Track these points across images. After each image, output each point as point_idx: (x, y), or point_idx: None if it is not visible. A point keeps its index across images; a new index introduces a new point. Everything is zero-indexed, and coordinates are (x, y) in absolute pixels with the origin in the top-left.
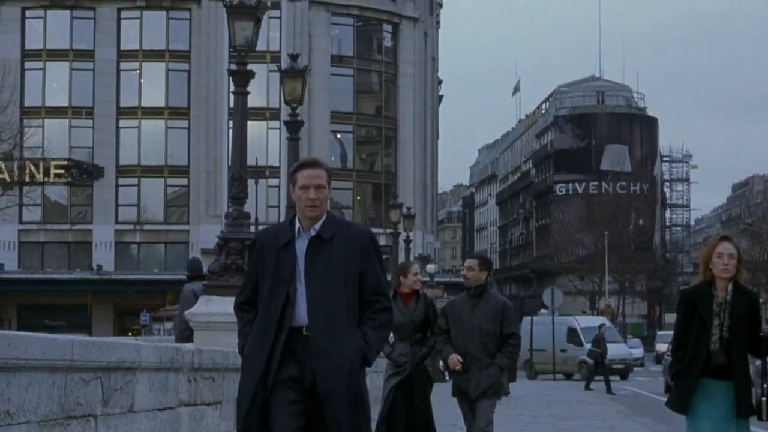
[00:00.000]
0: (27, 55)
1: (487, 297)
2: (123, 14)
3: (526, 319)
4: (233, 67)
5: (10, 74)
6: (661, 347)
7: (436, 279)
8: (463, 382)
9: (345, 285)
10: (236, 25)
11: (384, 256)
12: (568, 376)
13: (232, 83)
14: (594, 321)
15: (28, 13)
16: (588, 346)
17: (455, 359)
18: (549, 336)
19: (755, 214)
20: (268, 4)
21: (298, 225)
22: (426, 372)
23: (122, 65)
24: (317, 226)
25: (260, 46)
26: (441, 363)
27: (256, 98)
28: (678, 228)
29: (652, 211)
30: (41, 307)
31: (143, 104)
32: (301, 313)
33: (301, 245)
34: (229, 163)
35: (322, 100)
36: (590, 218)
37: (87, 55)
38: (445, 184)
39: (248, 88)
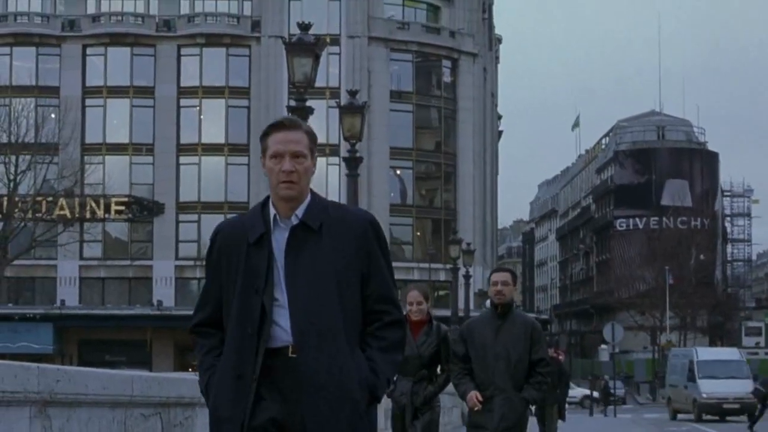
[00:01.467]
0: (88, 92)
1: (513, 317)
2: (183, 51)
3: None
4: (292, 103)
5: (71, 111)
6: None
7: None
8: (482, 416)
9: (341, 290)
10: (295, 62)
11: (443, 292)
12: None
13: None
14: (716, 353)
15: (89, 51)
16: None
17: (474, 397)
18: (675, 371)
19: None
20: (327, 40)
21: (273, 211)
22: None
23: (182, 102)
24: (299, 211)
25: (319, 82)
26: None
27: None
28: (739, 263)
29: (713, 245)
30: (102, 342)
31: (203, 140)
32: (283, 331)
33: (279, 238)
34: None
35: (381, 136)
36: (651, 253)
37: (147, 91)
38: (505, 220)
39: (308, 123)
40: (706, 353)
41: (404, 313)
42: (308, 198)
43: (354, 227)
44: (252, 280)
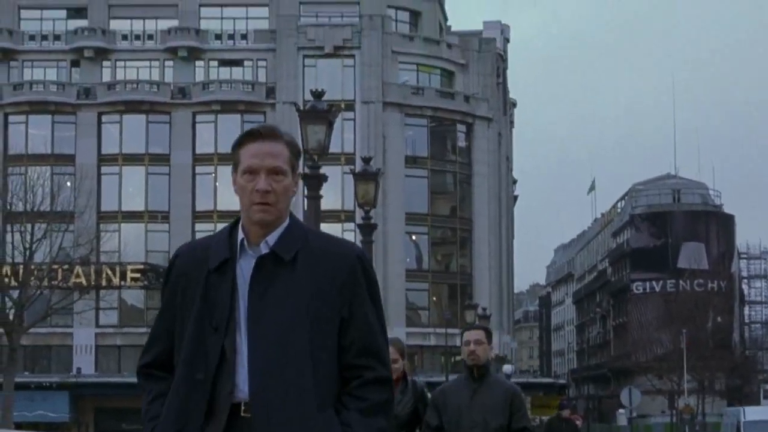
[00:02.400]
0: (103, 159)
1: (491, 381)
2: (198, 118)
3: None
4: (306, 170)
5: (86, 179)
6: None
7: (513, 379)
8: None
9: (314, 338)
10: (308, 130)
11: (459, 358)
12: None
13: (305, 187)
14: (763, 413)
15: (104, 118)
16: None
17: None
18: None
19: None
20: (342, 106)
21: (241, 236)
22: None
23: (197, 169)
24: (272, 237)
25: (334, 148)
26: None
27: (330, 200)
28: (757, 325)
29: (731, 308)
30: (118, 410)
31: (218, 208)
32: (240, 383)
33: (245, 268)
34: None
35: (396, 202)
36: (668, 316)
37: (162, 159)
38: (521, 284)
39: (322, 191)
40: (753, 413)
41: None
42: (286, 223)
43: (337, 261)
44: (209, 315)
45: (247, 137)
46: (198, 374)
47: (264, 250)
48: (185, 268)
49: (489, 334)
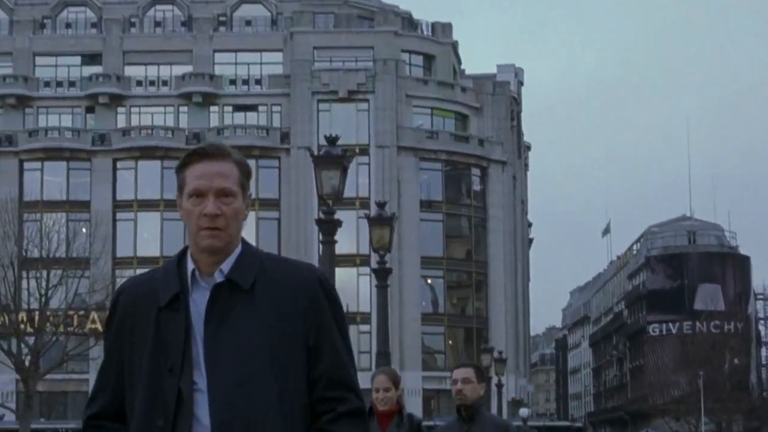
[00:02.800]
0: (118, 205)
1: (483, 419)
2: None
3: None
4: (321, 216)
5: (102, 225)
6: None
7: (529, 423)
8: None
9: (279, 371)
10: (323, 175)
11: None
12: None
13: (320, 232)
14: None
15: (119, 164)
16: None
17: None
18: None
19: None
20: (356, 150)
21: (191, 266)
22: None
23: None
24: (225, 265)
25: (349, 193)
26: None
27: (345, 244)
28: None
29: (748, 349)
30: None
31: None
32: (202, 427)
33: (199, 301)
34: None
35: (411, 246)
36: (684, 358)
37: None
38: (537, 327)
39: (337, 235)
40: None
41: (368, 401)
42: (238, 249)
43: (298, 287)
44: (164, 357)
45: (192, 157)
46: (158, 420)
47: (218, 279)
48: (131, 306)
49: (479, 372)
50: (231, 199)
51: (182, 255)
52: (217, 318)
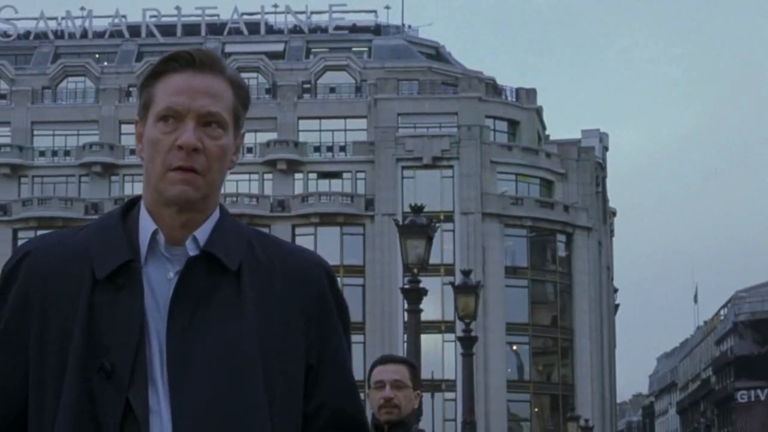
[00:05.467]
0: None
1: None
2: (297, 231)
3: None
4: (406, 285)
5: None
6: None
7: None
8: None
9: (274, 394)
10: (408, 244)
11: None
12: None
13: (405, 300)
14: None
15: None
16: None
17: None
18: None
19: None
20: (441, 217)
21: (149, 225)
22: None
23: None
24: (201, 232)
25: (434, 259)
26: None
27: (431, 311)
28: None
29: None
30: None
31: None
32: None
33: (155, 278)
34: None
35: (496, 312)
36: None
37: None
38: (623, 394)
39: (423, 303)
40: None
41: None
42: (216, 214)
43: (299, 279)
44: (98, 355)
45: (169, 63)
46: None
47: (191, 250)
48: (42, 275)
49: (415, 373)
50: (219, 132)
51: (128, 208)
52: (188, 308)
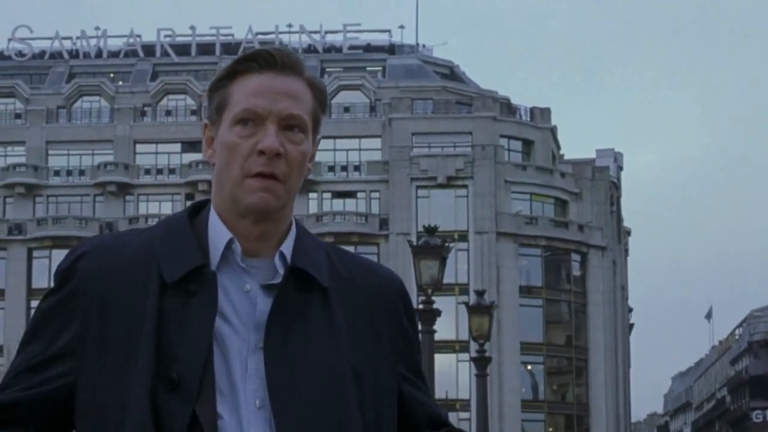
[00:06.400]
0: None
1: None
2: None
3: None
4: (420, 305)
5: None
6: None
7: None
8: None
9: (371, 411)
10: (422, 265)
11: None
12: None
13: (419, 321)
14: None
15: None
16: None
17: None
18: None
19: None
20: (455, 236)
21: (225, 233)
22: None
23: None
24: (286, 246)
25: (448, 279)
26: None
27: (444, 331)
28: None
29: None
30: None
31: None
32: None
33: (233, 286)
34: None
35: (511, 331)
36: None
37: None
38: (638, 413)
39: (436, 323)
40: None
41: None
42: (294, 227)
43: (381, 295)
44: (166, 364)
45: (247, 63)
46: None
47: (279, 265)
48: (104, 275)
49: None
50: (300, 136)
51: (195, 212)
52: (284, 326)
